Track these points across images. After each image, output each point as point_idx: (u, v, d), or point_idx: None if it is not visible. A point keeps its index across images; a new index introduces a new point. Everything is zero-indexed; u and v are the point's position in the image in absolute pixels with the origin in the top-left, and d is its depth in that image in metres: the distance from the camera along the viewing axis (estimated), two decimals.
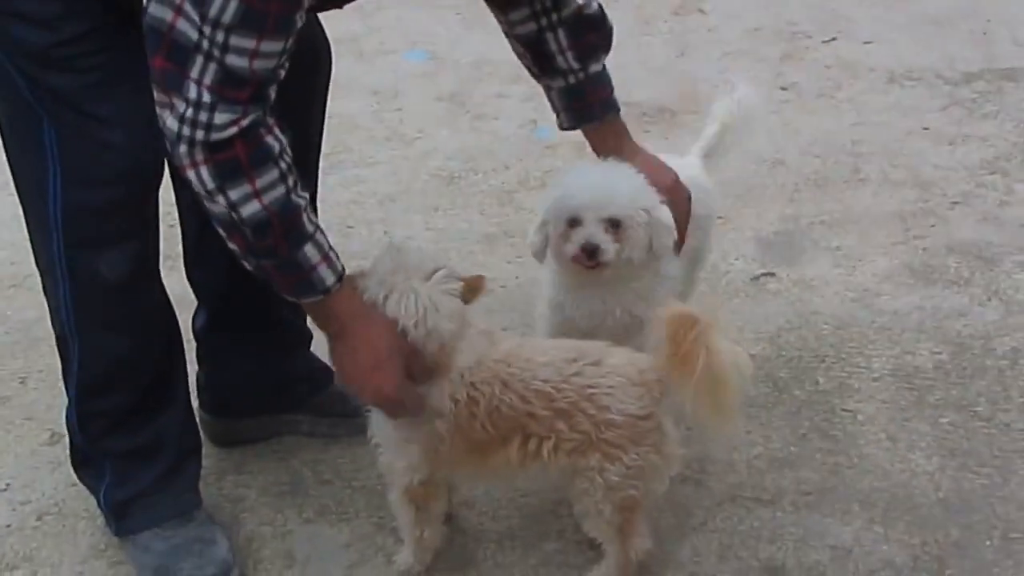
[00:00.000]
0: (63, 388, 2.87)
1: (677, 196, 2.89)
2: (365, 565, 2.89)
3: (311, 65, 2.90)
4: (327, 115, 3.04)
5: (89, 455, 2.90)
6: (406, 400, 2.48)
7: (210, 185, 2.25)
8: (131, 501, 2.87)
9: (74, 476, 3.00)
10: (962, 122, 4.92)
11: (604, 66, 2.90)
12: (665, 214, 2.82)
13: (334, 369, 2.56)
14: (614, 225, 2.77)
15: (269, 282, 2.43)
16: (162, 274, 2.81)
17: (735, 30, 5.85)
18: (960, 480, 3.08)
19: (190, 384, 3.01)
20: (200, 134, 2.21)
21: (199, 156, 2.23)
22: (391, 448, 2.65)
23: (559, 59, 2.85)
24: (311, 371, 3.18)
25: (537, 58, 2.89)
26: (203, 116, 2.20)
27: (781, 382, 3.46)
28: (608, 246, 2.76)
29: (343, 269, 2.44)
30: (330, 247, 2.42)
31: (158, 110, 2.24)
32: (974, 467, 3.12)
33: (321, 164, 3.10)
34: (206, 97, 2.19)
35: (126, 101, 2.43)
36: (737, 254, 4.07)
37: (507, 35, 2.93)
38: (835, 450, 3.20)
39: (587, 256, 2.77)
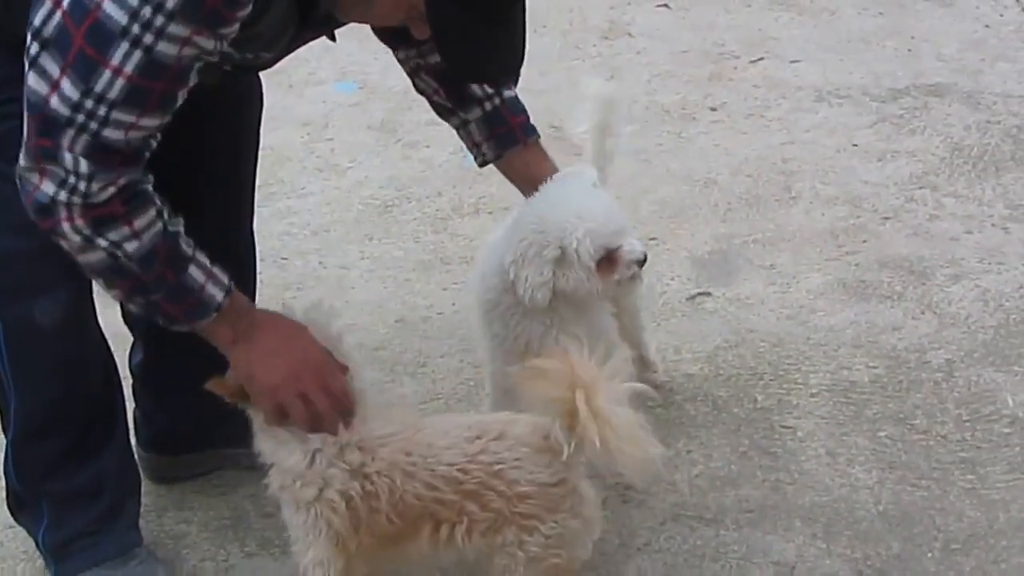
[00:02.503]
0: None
1: None
2: None
3: (244, 100, 2.89)
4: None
5: (25, 499, 2.87)
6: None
7: (86, 232, 2.25)
8: (70, 542, 2.84)
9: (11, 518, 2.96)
10: (890, 138, 4.96)
11: (516, 94, 2.90)
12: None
13: (244, 378, 2.48)
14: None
15: (160, 319, 2.43)
16: (98, 311, 2.78)
17: (663, 52, 5.87)
18: (900, 493, 3.11)
19: (128, 420, 2.98)
20: (77, 199, 2.22)
21: (76, 213, 2.24)
22: (300, 543, 2.54)
23: (474, 86, 2.85)
24: None
25: (450, 89, 2.88)
26: (81, 185, 2.21)
27: (720, 400, 3.48)
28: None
29: (229, 281, 2.43)
30: (210, 263, 2.41)
31: (26, 173, 2.24)
32: (913, 480, 3.15)
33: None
34: (83, 167, 2.20)
35: None
36: (672, 274, 4.08)
37: (415, 73, 2.92)
38: (776, 467, 3.22)
39: (641, 265, 2.80)
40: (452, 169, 4.81)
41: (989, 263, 4.08)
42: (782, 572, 2.91)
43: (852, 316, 3.83)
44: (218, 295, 2.40)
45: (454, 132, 3.00)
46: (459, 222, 4.51)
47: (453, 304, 4.00)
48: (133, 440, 3.05)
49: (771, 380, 3.54)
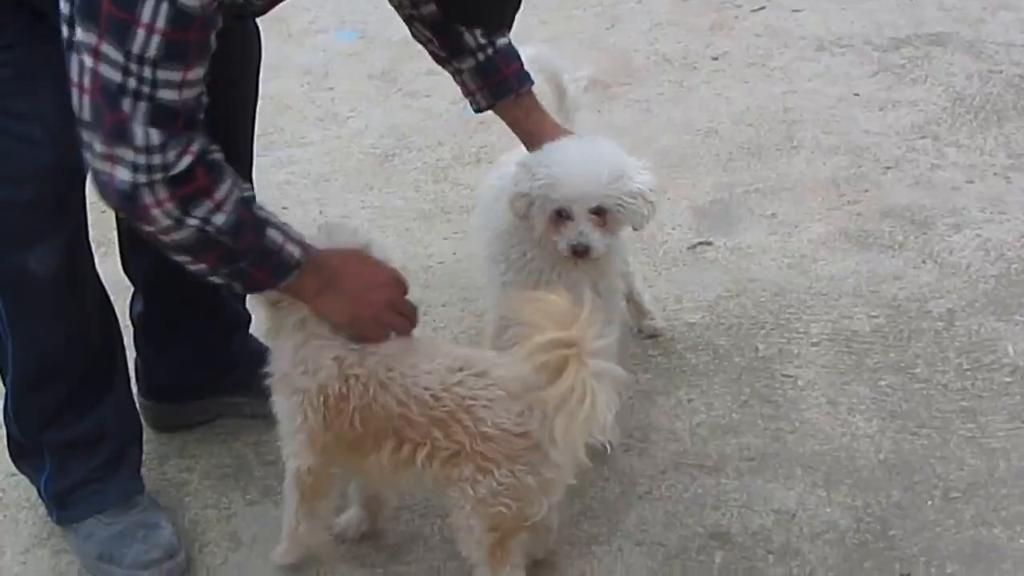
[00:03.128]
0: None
1: None
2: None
3: (242, 48, 2.87)
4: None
5: (27, 447, 2.87)
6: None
7: (176, 214, 2.25)
8: (72, 490, 2.85)
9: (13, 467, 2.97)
10: (892, 88, 4.94)
11: (510, 40, 2.89)
12: (647, 183, 2.81)
13: (334, 324, 2.52)
14: (600, 212, 2.77)
15: (244, 286, 2.46)
16: (97, 261, 2.77)
17: (664, 2, 5.84)
18: (900, 442, 3.11)
19: (129, 369, 2.99)
20: (158, 175, 2.21)
21: (163, 194, 2.23)
22: (283, 434, 2.65)
23: (467, 36, 2.83)
24: (251, 352, 3.15)
25: (444, 39, 2.87)
26: (157, 158, 2.20)
27: (721, 350, 3.48)
28: (597, 243, 2.77)
29: (300, 236, 2.46)
30: (280, 221, 2.44)
31: (100, 166, 2.23)
32: (914, 428, 3.16)
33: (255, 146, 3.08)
34: (154, 138, 2.19)
35: (44, 96, 2.41)
36: (673, 224, 4.07)
37: (410, 21, 2.90)
38: (776, 415, 3.22)
39: (577, 256, 2.79)
40: (453, 118, 4.80)
41: (991, 212, 4.08)
42: (783, 520, 2.91)
43: (853, 265, 3.82)
44: (296, 251, 2.41)
45: (454, 81, 2.99)
46: (460, 171, 4.50)
47: (454, 253, 3.99)
48: (135, 389, 3.05)
49: (772, 329, 3.54)
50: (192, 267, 2.40)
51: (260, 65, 2.98)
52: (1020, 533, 2.87)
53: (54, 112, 2.36)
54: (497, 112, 2.94)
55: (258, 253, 2.37)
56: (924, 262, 3.83)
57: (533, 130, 2.89)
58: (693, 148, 4.57)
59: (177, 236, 2.30)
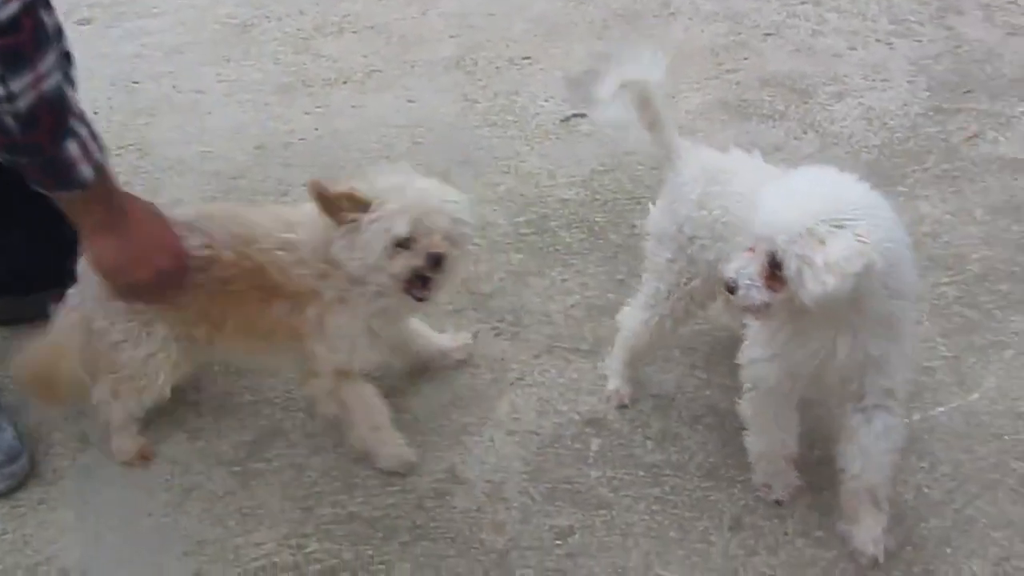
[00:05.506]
0: None
1: None
2: (166, 441, 2.80)
3: None
4: None
5: None
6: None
7: None
8: None
9: None
10: None
11: None
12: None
13: (97, 263, 2.42)
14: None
15: (25, 175, 2.26)
16: None
17: None
18: None
19: None
20: None
21: None
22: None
23: None
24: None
25: None
26: None
27: (596, 227, 3.36)
28: None
29: (101, 160, 2.27)
30: (91, 134, 2.24)
31: None
32: None
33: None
34: None
35: None
36: (546, 95, 3.93)
37: None
38: None
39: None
40: None
41: (873, 80, 3.98)
42: (661, 404, 2.83)
43: (733, 136, 3.70)
44: (88, 173, 2.24)
45: None
46: (322, 42, 4.31)
47: (316, 129, 3.82)
48: None
49: (649, 204, 3.40)
50: None
51: None
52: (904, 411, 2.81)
53: None
54: None
55: (44, 159, 2.20)
56: (805, 132, 3.73)
57: None
58: (567, 15, 4.42)
59: None
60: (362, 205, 2.48)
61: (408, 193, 2.50)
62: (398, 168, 2.60)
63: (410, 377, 2.94)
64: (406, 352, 2.92)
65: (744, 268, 2.21)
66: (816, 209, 2.12)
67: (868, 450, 2.39)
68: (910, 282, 2.24)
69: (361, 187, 2.50)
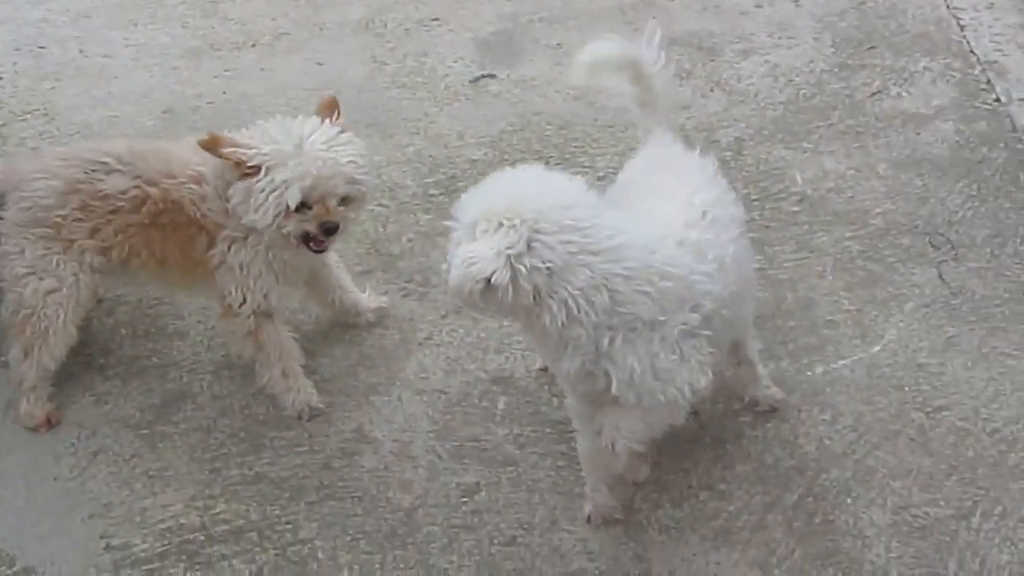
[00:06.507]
0: None
1: None
2: (72, 405, 2.83)
3: None
4: None
5: None
6: None
7: None
8: None
9: None
10: None
11: None
12: None
13: None
14: None
15: None
16: None
17: None
18: None
19: None
20: None
21: None
22: None
23: None
24: None
25: None
26: None
27: None
28: None
29: None
30: None
31: None
32: None
33: None
34: None
35: None
36: (455, 56, 3.90)
37: None
38: None
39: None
40: None
41: (779, 38, 3.98)
42: None
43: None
44: None
45: None
46: (230, 5, 4.24)
47: (224, 93, 3.78)
48: None
49: (557, 164, 3.41)
50: None
51: None
52: (807, 365, 2.84)
53: None
54: None
55: None
56: (712, 90, 3.74)
57: None
58: None
59: None
60: (253, 171, 2.51)
61: (302, 159, 2.49)
62: (297, 123, 2.59)
63: (320, 338, 2.95)
64: (323, 299, 2.92)
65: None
66: (491, 204, 2.15)
67: None
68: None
69: (254, 146, 2.53)
